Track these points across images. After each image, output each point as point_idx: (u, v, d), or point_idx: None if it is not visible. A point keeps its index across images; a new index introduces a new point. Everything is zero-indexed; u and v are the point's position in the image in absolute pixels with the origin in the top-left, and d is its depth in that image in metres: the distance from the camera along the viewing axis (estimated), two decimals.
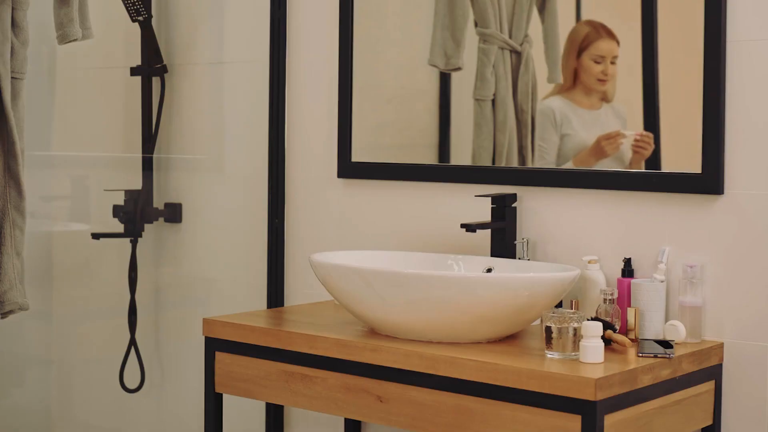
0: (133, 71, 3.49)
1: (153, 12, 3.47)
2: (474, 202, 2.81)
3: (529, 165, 2.81)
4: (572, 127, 2.74)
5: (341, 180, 3.13)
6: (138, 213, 3.45)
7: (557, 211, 2.74)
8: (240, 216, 3.39)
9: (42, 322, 3.72)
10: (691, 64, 2.54)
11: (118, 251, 3.55)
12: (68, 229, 3.76)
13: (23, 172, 3.10)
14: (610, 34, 2.70)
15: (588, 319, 2.34)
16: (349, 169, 3.10)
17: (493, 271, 2.67)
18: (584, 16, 2.73)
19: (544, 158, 2.78)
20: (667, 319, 2.52)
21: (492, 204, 2.74)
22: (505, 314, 2.40)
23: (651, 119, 2.62)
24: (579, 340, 2.27)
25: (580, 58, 2.72)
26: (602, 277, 2.60)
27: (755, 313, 2.47)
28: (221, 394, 2.73)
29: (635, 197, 2.62)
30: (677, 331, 2.45)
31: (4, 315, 3.13)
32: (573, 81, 2.74)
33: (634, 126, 2.65)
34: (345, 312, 2.77)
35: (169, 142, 3.50)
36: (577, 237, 2.70)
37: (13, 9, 3.07)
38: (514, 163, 2.83)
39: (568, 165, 2.74)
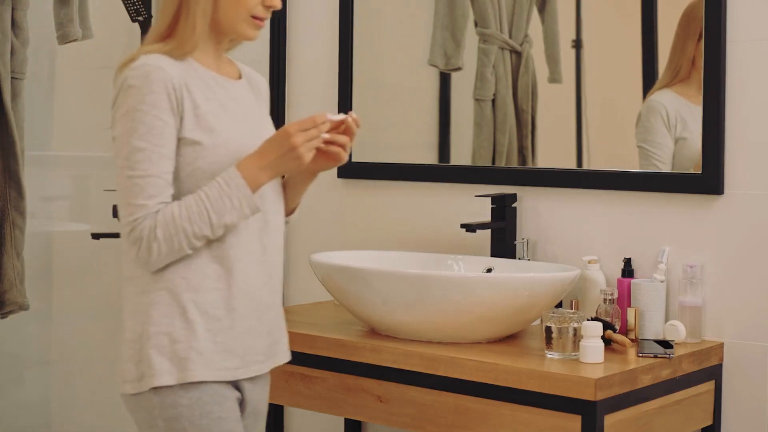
0: None
1: (153, 12, 3.47)
2: (474, 202, 2.80)
3: (530, 165, 2.81)
4: (688, 128, 2.51)
5: (341, 180, 3.13)
6: None
7: (557, 211, 2.74)
8: None
9: (42, 322, 3.71)
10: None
11: (118, 251, 3.54)
12: (68, 229, 3.76)
13: (23, 172, 3.11)
14: None
15: (588, 319, 2.34)
16: (349, 169, 3.10)
17: (493, 271, 2.67)
18: (584, 16, 2.73)
19: (653, 164, 2.56)
20: (667, 319, 2.52)
21: (492, 204, 2.74)
22: (505, 314, 2.40)
23: None
24: (579, 340, 2.27)
25: (701, 41, 2.47)
26: (602, 277, 2.60)
27: (755, 313, 2.47)
28: None
29: (635, 197, 2.62)
30: (677, 331, 2.45)
31: (4, 315, 3.14)
32: (689, 71, 2.49)
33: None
34: (345, 312, 2.77)
35: None
36: (577, 237, 2.70)
37: (13, 9, 3.08)
38: (514, 163, 2.83)
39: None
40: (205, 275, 1.99)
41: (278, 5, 2.06)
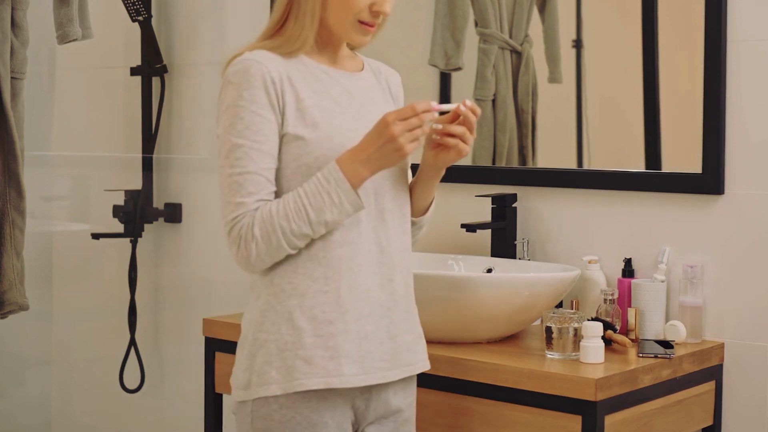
0: (133, 71, 3.49)
1: (153, 12, 3.47)
2: (474, 202, 2.80)
3: (530, 165, 2.81)
4: None
5: None
6: (138, 213, 3.45)
7: (557, 211, 2.74)
8: None
9: (42, 322, 3.72)
10: (691, 64, 2.54)
11: (118, 251, 3.55)
12: (68, 229, 3.76)
13: (23, 172, 3.11)
14: None
15: (588, 320, 2.34)
16: None
17: (493, 271, 2.67)
18: (584, 16, 2.73)
19: None
20: (667, 319, 2.52)
21: (492, 204, 2.74)
22: (505, 314, 2.40)
23: (651, 119, 2.62)
24: (579, 341, 2.27)
25: None
26: (602, 277, 2.60)
27: (755, 313, 2.47)
28: (221, 394, 2.72)
29: (635, 197, 2.62)
30: (677, 331, 2.45)
31: (4, 315, 3.14)
32: None
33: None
34: None
35: (169, 142, 3.50)
36: (577, 237, 2.70)
37: (12, 9, 3.07)
38: (515, 163, 2.83)
39: None
40: (312, 279, 1.92)
41: (387, 11, 1.96)
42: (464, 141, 1.95)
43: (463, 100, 1.95)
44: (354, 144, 1.91)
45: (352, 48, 2.10)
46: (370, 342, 1.95)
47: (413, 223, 2.10)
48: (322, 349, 1.91)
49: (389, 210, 1.99)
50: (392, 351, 1.98)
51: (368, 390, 1.98)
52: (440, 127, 1.95)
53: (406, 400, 2.06)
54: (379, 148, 1.87)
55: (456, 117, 1.95)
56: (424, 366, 2.07)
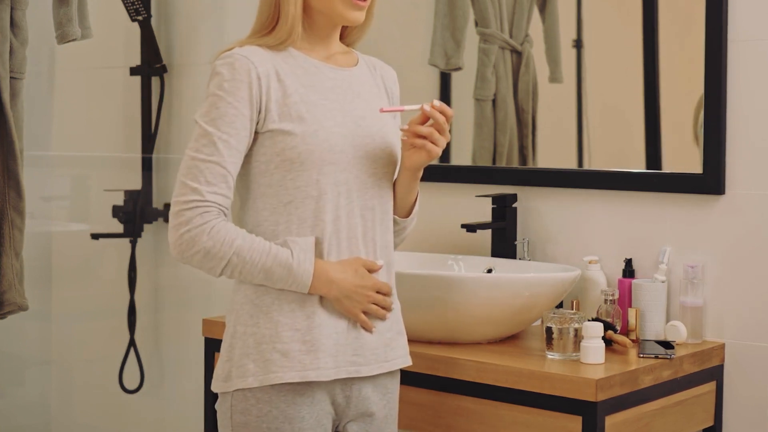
0: (133, 71, 3.49)
1: (153, 12, 3.47)
2: (474, 202, 2.80)
3: (530, 165, 2.81)
4: None
5: None
6: (138, 213, 3.45)
7: (557, 211, 2.73)
8: None
9: (42, 322, 3.71)
10: (691, 64, 2.53)
11: (117, 251, 3.55)
12: (68, 229, 3.75)
13: (22, 172, 3.10)
14: None
15: (589, 320, 2.33)
16: None
17: (493, 272, 2.67)
18: (585, 16, 2.73)
19: None
20: (667, 320, 2.52)
21: (492, 204, 2.74)
22: (505, 314, 2.40)
23: (651, 119, 2.62)
24: (580, 341, 2.26)
25: None
26: (603, 277, 2.60)
27: (756, 313, 2.46)
28: None
29: (636, 197, 2.61)
30: (678, 331, 2.44)
31: (3, 315, 3.13)
32: None
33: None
34: None
35: (168, 142, 3.49)
36: (577, 237, 2.70)
37: (12, 8, 3.06)
38: (515, 163, 2.83)
39: None
40: None
41: None
42: (433, 142, 1.96)
43: (431, 102, 1.96)
44: (339, 139, 1.94)
45: (347, 43, 2.11)
46: (346, 337, 1.97)
47: (397, 223, 2.11)
48: (299, 343, 1.93)
49: (371, 207, 2.01)
50: (370, 346, 2.00)
51: (348, 386, 2.00)
52: (405, 127, 1.97)
53: (388, 396, 2.08)
54: (355, 289, 1.95)
55: (426, 118, 1.96)
56: (405, 362, 2.09)
